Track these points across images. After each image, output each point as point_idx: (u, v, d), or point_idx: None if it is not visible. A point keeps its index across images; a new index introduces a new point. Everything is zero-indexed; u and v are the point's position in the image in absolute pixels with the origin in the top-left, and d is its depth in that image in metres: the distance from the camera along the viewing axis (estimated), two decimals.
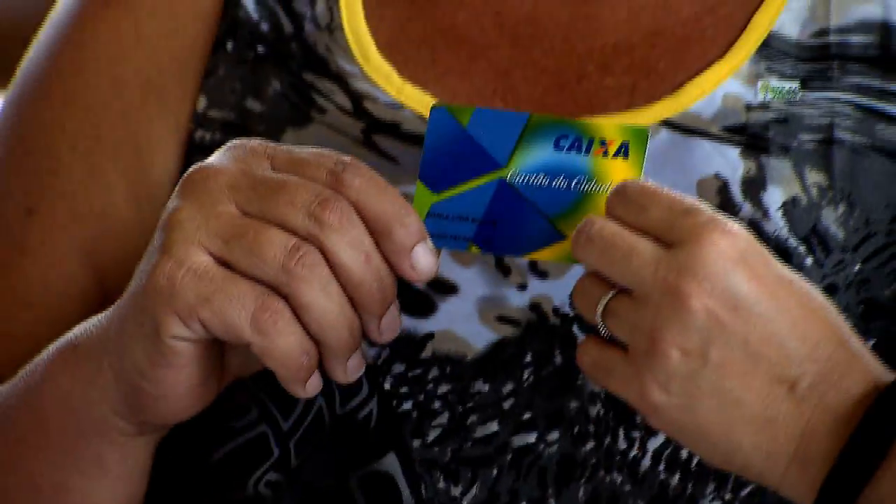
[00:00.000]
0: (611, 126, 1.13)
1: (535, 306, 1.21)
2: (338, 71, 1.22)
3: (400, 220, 1.08)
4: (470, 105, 1.15)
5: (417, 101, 1.21)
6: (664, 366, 1.05)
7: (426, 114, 1.15)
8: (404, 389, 1.23)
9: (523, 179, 1.13)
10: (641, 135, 1.11)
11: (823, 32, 1.23)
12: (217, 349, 1.11)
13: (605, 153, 1.12)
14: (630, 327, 1.06)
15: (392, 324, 1.10)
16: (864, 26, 1.24)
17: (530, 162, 1.14)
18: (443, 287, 1.23)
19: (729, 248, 1.05)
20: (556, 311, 1.20)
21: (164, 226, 1.08)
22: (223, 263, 1.06)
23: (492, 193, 1.14)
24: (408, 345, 1.23)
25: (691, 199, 1.06)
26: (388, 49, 1.22)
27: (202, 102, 1.25)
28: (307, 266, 1.06)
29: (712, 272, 1.05)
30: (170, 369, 1.08)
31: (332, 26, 1.23)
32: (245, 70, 1.25)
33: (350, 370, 1.09)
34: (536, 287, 1.21)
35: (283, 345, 1.06)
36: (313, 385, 1.08)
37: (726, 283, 1.05)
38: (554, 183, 1.13)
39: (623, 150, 1.12)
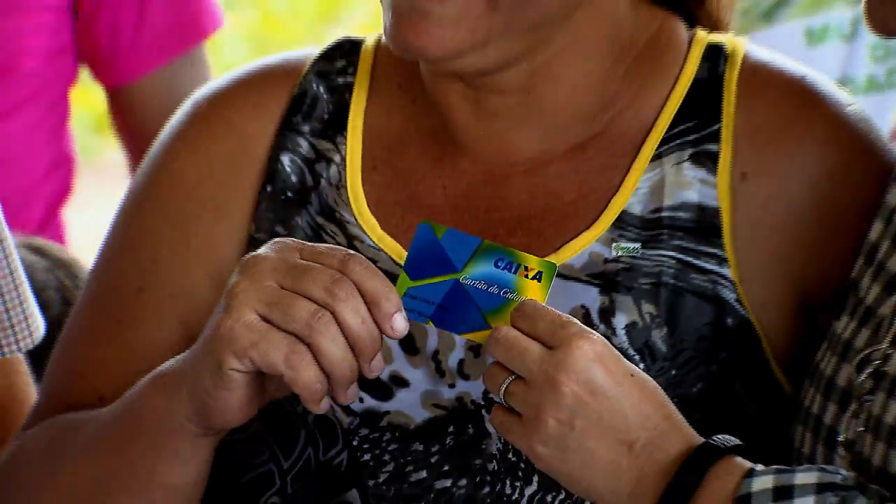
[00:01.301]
0: (533, 258, 1.40)
1: (459, 398, 1.51)
2: (340, 219, 1.54)
3: (386, 297, 1.37)
4: (445, 226, 1.42)
5: (391, 248, 1.52)
6: (544, 430, 1.35)
7: (397, 258, 1.49)
8: (366, 446, 1.53)
9: (470, 283, 1.41)
10: (552, 268, 1.39)
11: (658, 210, 1.53)
12: (259, 378, 1.39)
13: (527, 275, 1.40)
14: (522, 402, 1.36)
15: (377, 364, 1.38)
16: (685, 206, 1.54)
17: (476, 272, 1.42)
18: (399, 381, 1.52)
19: (590, 351, 1.35)
20: (472, 401, 1.50)
21: (227, 294, 1.38)
22: (266, 320, 1.36)
23: (448, 288, 1.42)
24: (371, 417, 1.53)
25: (567, 316, 1.37)
26: (375, 207, 1.52)
27: (252, 227, 1.56)
28: (323, 324, 1.36)
29: (578, 367, 1.35)
30: (227, 391, 1.39)
31: (340, 185, 1.55)
32: (278, 207, 1.55)
33: (349, 396, 1.39)
34: (462, 386, 1.52)
35: (305, 376, 1.35)
36: (324, 405, 1.37)
37: (588, 375, 1.35)
38: (490, 289, 1.41)
39: (538, 276, 1.40)
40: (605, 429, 1.38)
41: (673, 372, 1.49)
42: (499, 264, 1.43)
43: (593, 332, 1.38)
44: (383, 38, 1.58)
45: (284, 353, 1.37)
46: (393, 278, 1.42)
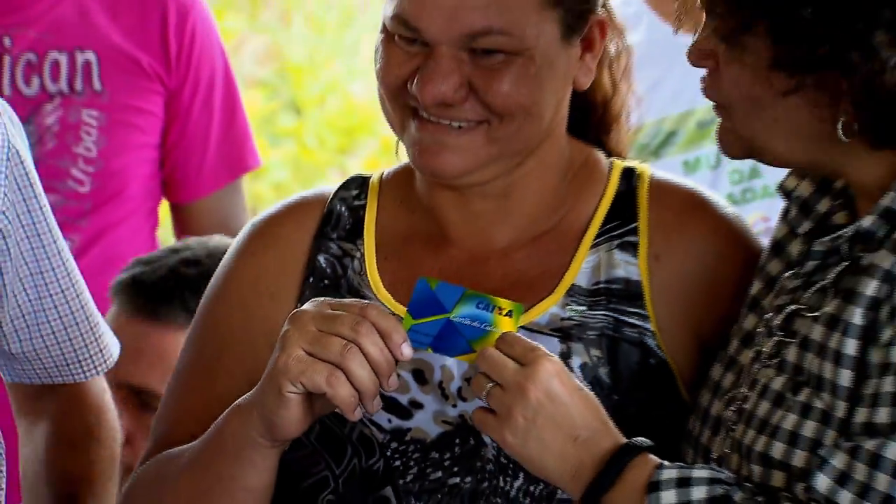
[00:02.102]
0: (505, 301, 1.57)
1: (461, 416, 1.65)
2: (363, 296, 1.68)
3: (395, 331, 1.53)
4: (437, 279, 1.59)
5: (402, 312, 1.61)
6: (514, 424, 1.50)
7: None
8: (396, 455, 1.67)
9: (458, 320, 1.56)
10: (519, 308, 1.57)
11: (598, 283, 1.69)
12: (309, 399, 1.54)
13: (500, 313, 1.57)
14: (498, 403, 1.51)
15: (393, 381, 1.54)
16: (616, 280, 1.68)
17: (463, 312, 1.57)
18: (416, 405, 1.66)
19: (551, 369, 1.51)
20: (471, 418, 1.59)
21: (281, 338, 1.54)
22: (310, 354, 1.52)
23: (442, 324, 1.57)
24: (398, 433, 1.67)
25: (536, 344, 1.54)
26: (388, 286, 1.68)
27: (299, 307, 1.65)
28: (352, 355, 1.51)
29: (542, 380, 1.51)
30: (286, 410, 1.55)
31: (361, 273, 1.70)
32: (318, 291, 1.69)
33: (375, 406, 1.55)
34: (461, 406, 1.65)
35: (342, 393, 1.51)
36: (357, 414, 1.54)
37: (548, 386, 1.50)
38: (473, 324, 1.57)
39: (509, 314, 1.57)
40: (558, 426, 1.52)
41: (615, 398, 1.62)
42: (479, 306, 1.58)
43: (554, 356, 1.55)
44: (386, 172, 1.80)
45: (325, 377, 1.53)
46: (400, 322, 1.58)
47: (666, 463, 1.50)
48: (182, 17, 2.60)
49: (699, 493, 1.46)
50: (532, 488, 1.62)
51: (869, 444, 1.41)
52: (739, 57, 1.54)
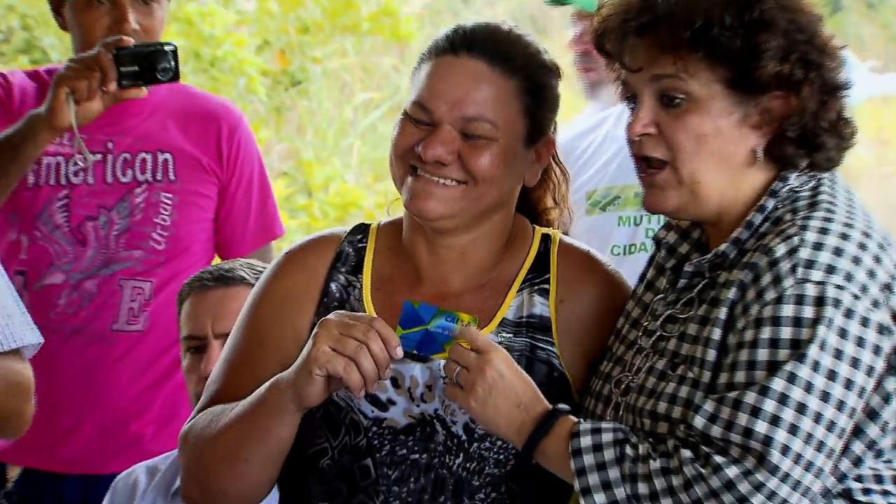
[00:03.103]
0: (465, 315, 1.56)
1: (422, 413, 1.63)
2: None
3: (392, 338, 1.53)
4: (418, 301, 1.59)
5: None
6: (475, 394, 1.50)
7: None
8: (376, 437, 1.64)
9: (434, 330, 1.56)
10: (475, 319, 1.56)
11: (521, 317, 1.66)
12: (328, 379, 1.53)
13: (462, 324, 1.55)
14: (465, 381, 1.50)
15: (388, 373, 1.54)
16: (533, 316, 1.65)
17: (436, 324, 1.56)
18: (392, 402, 1.64)
19: (502, 356, 1.51)
20: (428, 414, 1.62)
21: (313, 337, 1.54)
22: (333, 350, 1.51)
23: (422, 333, 1.57)
24: (378, 421, 1.64)
25: (490, 340, 1.55)
26: (379, 311, 1.63)
27: (315, 320, 1.62)
28: (363, 352, 1.51)
29: (495, 363, 1.50)
30: (311, 387, 1.54)
31: (360, 299, 1.67)
32: (329, 310, 1.62)
33: (376, 388, 1.55)
34: (422, 406, 1.63)
35: (354, 378, 1.51)
36: (362, 394, 1.54)
37: (499, 368, 1.50)
38: (444, 332, 1.55)
39: (468, 324, 1.55)
40: (506, 396, 1.50)
41: None
42: (447, 319, 1.57)
43: (502, 348, 1.54)
44: (382, 222, 1.76)
45: (343, 367, 1.52)
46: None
47: (583, 420, 1.51)
48: (231, 132, 2.60)
49: (607, 436, 1.46)
50: (469, 465, 1.62)
51: (731, 395, 1.40)
52: (697, 110, 1.49)
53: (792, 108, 1.47)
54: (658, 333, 1.55)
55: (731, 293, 1.45)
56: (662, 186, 1.52)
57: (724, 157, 1.48)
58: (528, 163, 1.67)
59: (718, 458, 1.37)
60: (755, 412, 1.36)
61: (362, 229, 1.74)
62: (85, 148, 2.38)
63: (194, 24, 5.77)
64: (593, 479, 1.43)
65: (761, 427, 1.35)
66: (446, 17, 7.23)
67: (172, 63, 2.35)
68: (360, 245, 1.72)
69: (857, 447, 1.42)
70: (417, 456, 1.63)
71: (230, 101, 3.18)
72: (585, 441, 1.45)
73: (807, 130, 1.47)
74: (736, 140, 1.49)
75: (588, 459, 1.44)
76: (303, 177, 6.14)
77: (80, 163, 2.47)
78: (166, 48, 2.36)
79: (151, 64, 2.32)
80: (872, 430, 1.42)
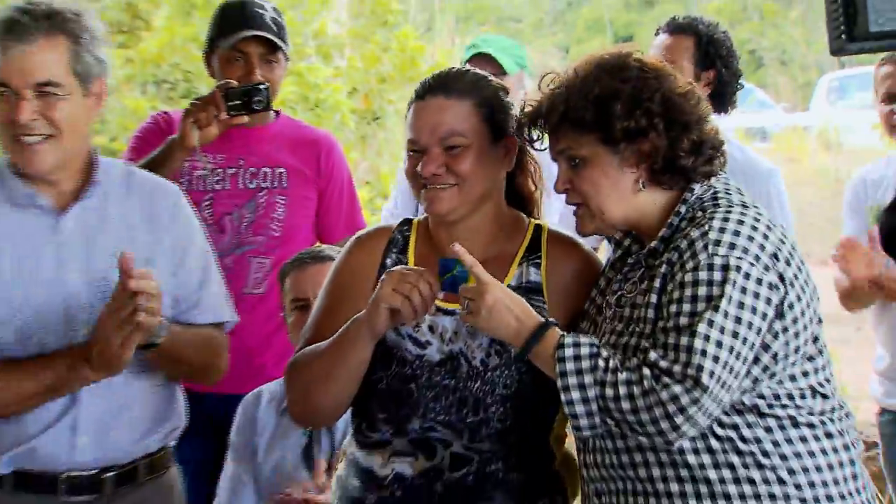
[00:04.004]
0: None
1: (450, 350, 1.61)
2: None
3: (435, 284, 1.51)
4: (448, 257, 1.54)
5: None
6: (479, 314, 1.48)
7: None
8: (419, 368, 1.62)
9: (457, 273, 1.53)
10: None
11: (521, 283, 1.63)
12: (391, 313, 1.53)
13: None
14: (473, 307, 1.48)
15: (431, 309, 1.54)
16: (530, 282, 1.62)
17: (457, 271, 1.53)
18: (429, 343, 1.62)
19: (495, 285, 1.49)
20: (453, 352, 1.61)
21: (381, 282, 1.54)
22: (395, 290, 1.51)
23: (450, 278, 1.54)
24: (420, 357, 1.62)
25: (486, 273, 1.50)
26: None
27: (376, 284, 1.58)
28: (416, 293, 1.50)
29: (490, 289, 1.48)
30: (380, 318, 1.53)
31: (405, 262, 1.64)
32: None
33: (423, 324, 1.58)
34: (450, 346, 1.62)
35: (408, 311, 1.50)
36: (412, 323, 1.55)
37: (493, 293, 1.48)
38: (462, 273, 1.52)
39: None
40: (502, 312, 1.48)
41: None
42: (462, 268, 1.53)
43: (496, 280, 1.51)
44: (420, 218, 1.73)
45: (401, 302, 1.51)
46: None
47: (566, 334, 1.48)
48: (328, 153, 2.63)
49: (585, 349, 1.44)
50: (484, 388, 1.60)
51: (671, 339, 1.41)
52: (589, 166, 1.52)
53: (651, 148, 1.49)
54: (614, 305, 1.55)
55: (663, 269, 1.46)
56: (583, 217, 1.56)
57: (616, 191, 1.50)
58: (499, 155, 1.65)
59: (667, 379, 1.37)
60: (689, 349, 1.37)
61: (408, 222, 1.73)
62: (204, 159, 2.45)
63: (304, 76, 6.00)
64: (572, 380, 1.42)
65: (694, 359, 1.36)
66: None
67: (264, 97, 2.34)
68: (406, 234, 1.71)
69: (756, 371, 1.42)
70: (447, 382, 1.61)
71: (328, 131, 3.15)
72: (568, 352, 1.44)
73: (667, 161, 1.49)
74: (620, 178, 1.50)
75: (569, 366, 1.42)
76: (381, 186, 6.22)
77: (202, 170, 2.51)
78: (260, 87, 2.36)
79: (249, 98, 2.33)
80: (766, 358, 1.43)
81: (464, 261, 1.50)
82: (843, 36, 0.95)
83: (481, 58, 2.74)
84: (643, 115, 1.48)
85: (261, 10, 2.48)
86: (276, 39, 2.47)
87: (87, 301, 1.67)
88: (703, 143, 1.50)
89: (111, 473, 1.67)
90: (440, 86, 1.63)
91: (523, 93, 2.59)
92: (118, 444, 1.68)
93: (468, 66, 1.77)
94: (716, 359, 1.36)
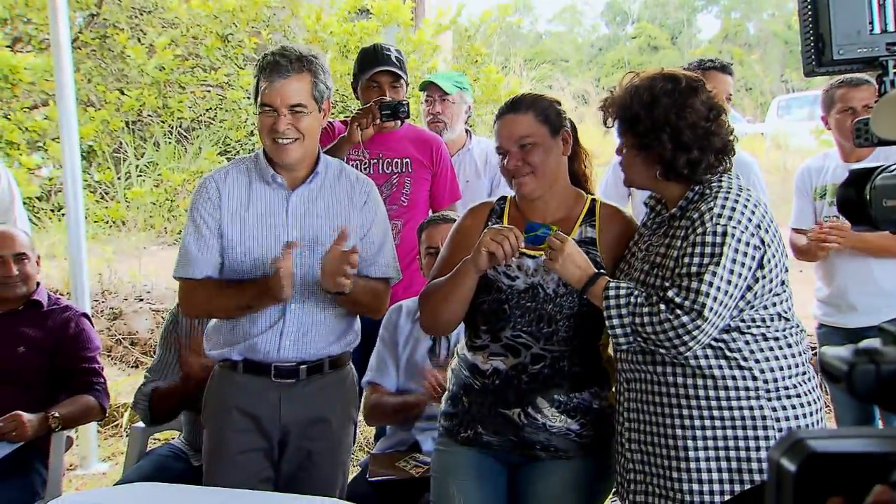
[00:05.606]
0: (555, 226, 1.48)
1: (531, 282, 1.54)
2: None
3: (520, 238, 1.45)
4: (534, 221, 1.51)
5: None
6: (557, 262, 1.44)
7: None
8: (510, 295, 1.55)
9: (541, 233, 1.48)
10: (558, 228, 1.48)
11: (582, 238, 1.55)
12: (489, 255, 1.46)
13: (553, 230, 1.48)
14: (552, 255, 1.44)
15: (517, 255, 1.46)
16: (588, 238, 1.54)
17: (542, 230, 1.48)
18: (517, 277, 1.54)
19: (571, 244, 1.45)
20: (534, 284, 1.53)
21: (483, 234, 1.47)
22: (492, 239, 1.45)
23: (534, 235, 1.49)
24: (511, 287, 1.54)
25: (565, 236, 1.46)
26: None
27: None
28: (505, 241, 1.45)
29: (567, 247, 1.45)
30: (481, 258, 1.48)
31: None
32: None
33: (513, 264, 1.50)
34: (532, 278, 1.54)
35: (500, 253, 1.45)
36: (504, 263, 1.46)
37: (568, 249, 1.45)
38: (544, 234, 1.48)
39: (556, 230, 1.47)
40: (572, 263, 1.45)
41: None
42: (547, 228, 1.49)
43: (571, 240, 1.47)
44: (512, 195, 1.65)
45: (496, 247, 1.46)
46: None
47: (612, 280, 1.44)
48: (437, 148, 2.50)
49: (623, 290, 1.40)
50: (555, 308, 1.53)
51: (684, 282, 1.35)
52: (626, 151, 1.48)
53: (658, 158, 1.44)
54: (644, 251, 1.49)
55: (681, 232, 1.41)
56: (625, 174, 1.48)
57: (640, 174, 1.46)
58: (559, 145, 1.58)
59: (679, 311, 1.33)
60: (696, 291, 1.33)
61: (504, 198, 1.66)
62: (363, 150, 2.37)
63: (419, 99, 5.89)
64: (613, 311, 1.39)
65: (700, 298, 1.32)
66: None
67: (406, 110, 2.33)
68: (501, 206, 1.65)
69: (741, 304, 1.37)
70: (529, 304, 1.56)
71: (437, 135, 2.90)
72: (611, 292, 1.41)
73: (668, 169, 1.44)
74: (644, 169, 1.46)
75: (612, 301, 1.40)
76: None
77: (361, 157, 2.40)
78: (403, 102, 2.35)
79: (396, 110, 2.31)
80: (749, 295, 1.37)
81: (556, 234, 1.44)
82: (813, 62, 0.90)
83: (430, 85, 2.68)
84: (653, 136, 1.43)
85: (387, 52, 2.45)
86: (399, 71, 2.44)
87: (297, 251, 1.66)
88: (700, 162, 1.42)
89: (304, 366, 1.66)
90: (512, 106, 1.59)
91: (466, 106, 2.66)
92: (310, 347, 1.67)
93: (530, 91, 1.75)
94: (715, 298, 1.32)
